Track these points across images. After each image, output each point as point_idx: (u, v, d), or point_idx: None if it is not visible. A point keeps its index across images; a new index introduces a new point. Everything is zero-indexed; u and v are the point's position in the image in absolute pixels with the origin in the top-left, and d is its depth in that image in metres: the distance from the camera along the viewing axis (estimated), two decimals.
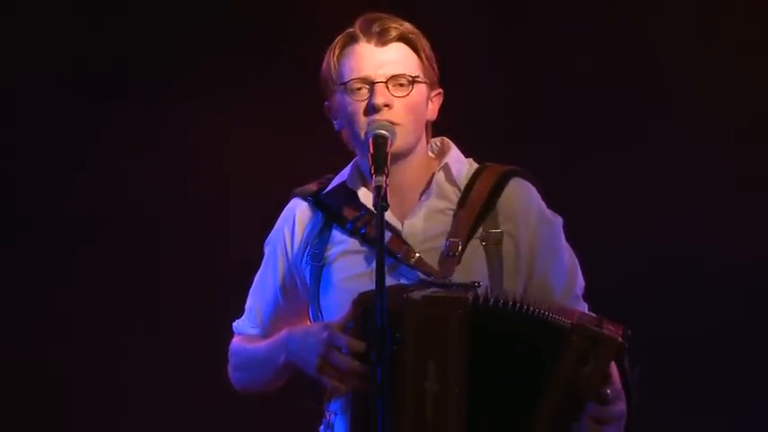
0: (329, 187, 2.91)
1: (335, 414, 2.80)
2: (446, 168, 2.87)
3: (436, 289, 2.68)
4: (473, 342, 2.59)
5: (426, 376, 2.60)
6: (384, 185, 2.63)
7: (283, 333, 2.86)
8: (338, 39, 2.86)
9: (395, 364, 2.57)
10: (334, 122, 2.89)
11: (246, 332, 3.02)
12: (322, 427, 2.83)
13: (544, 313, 2.61)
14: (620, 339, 2.62)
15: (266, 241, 3.01)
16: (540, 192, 2.90)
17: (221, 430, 4.86)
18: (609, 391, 2.59)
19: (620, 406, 2.62)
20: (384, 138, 2.73)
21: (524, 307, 2.61)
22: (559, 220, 2.90)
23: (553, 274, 2.86)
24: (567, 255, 2.89)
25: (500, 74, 4.68)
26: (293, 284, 2.94)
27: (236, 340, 3.03)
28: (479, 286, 2.66)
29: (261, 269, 3.01)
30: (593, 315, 2.74)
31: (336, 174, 2.93)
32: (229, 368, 3.03)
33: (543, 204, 2.89)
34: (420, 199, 2.86)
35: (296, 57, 4.50)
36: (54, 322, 4.93)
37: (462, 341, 2.59)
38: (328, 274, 2.86)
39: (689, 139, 4.64)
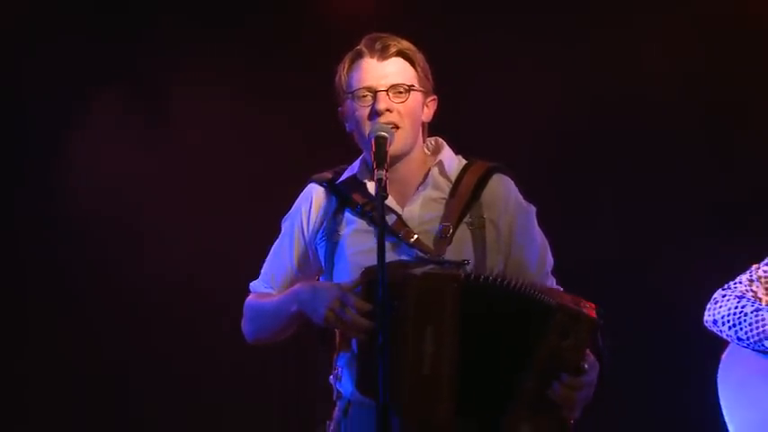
0: (342, 178, 3.39)
1: (342, 367, 3.27)
2: (440, 164, 3.36)
3: (432, 266, 3.16)
4: (464, 311, 3.06)
5: (424, 339, 3.05)
6: (384, 178, 3.10)
7: (296, 286, 3.32)
8: (347, 55, 3.35)
9: (399, 328, 3.02)
10: (346, 125, 3.38)
11: (260, 290, 3.48)
12: (331, 377, 3.31)
13: (530, 291, 3.09)
14: (596, 318, 3.09)
15: (284, 218, 3.48)
16: (517, 185, 3.40)
17: (247, 385, 5.51)
18: (585, 364, 3.07)
19: (592, 375, 3.10)
20: (384, 138, 3.21)
21: (510, 284, 3.09)
22: (533, 209, 3.41)
23: (527, 253, 3.35)
24: (539, 237, 3.39)
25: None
26: (306, 256, 3.42)
27: (250, 297, 3.49)
28: (468, 264, 3.17)
29: (278, 241, 3.49)
30: (572, 295, 3.21)
31: (348, 165, 3.41)
32: (243, 322, 3.48)
33: (520, 195, 3.39)
34: (418, 189, 3.34)
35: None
36: None
37: (455, 310, 3.06)
38: (341, 250, 3.33)
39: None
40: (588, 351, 3.10)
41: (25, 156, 5.54)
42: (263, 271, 3.52)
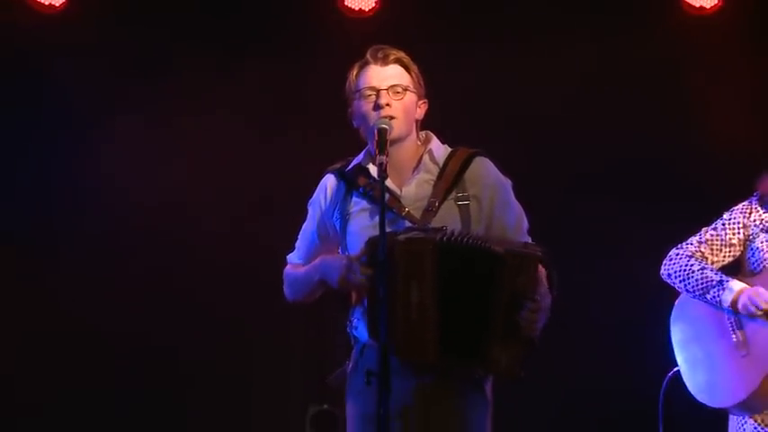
0: (350, 166, 4.06)
1: (357, 319, 3.95)
2: (430, 152, 4.04)
3: (417, 232, 3.82)
4: (440, 267, 3.73)
5: (411, 291, 3.74)
6: (384, 162, 3.80)
7: (317, 260, 4.05)
8: (356, 63, 4.05)
9: (392, 284, 3.70)
10: (354, 122, 4.06)
11: (294, 262, 4.20)
12: (348, 327, 4.00)
13: (485, 245, 3.74)
14: (539, 253, 3.75)
15: (309, 203, 4.16)
16: (495, 164, 4.06)
17: (278, 335, 6.47)
18: (541, 289, 3.74)
19: (546, 301, 3.78)
20: (385, 130, 3.90)
21: (472, 241, 3.75)
22: (509, 182, 4.06)
23: (507, 219, 4.01)
24: (516, 205, 4.05)
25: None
26: (326, 232, 4.11)
27: (288, 267, 4.22)
28: (446, 228, 3.80)
29: (306, 221, 4.19)
30: (521, 242, 3.89)
31: (355, 156, 4.09)
32: (284, 287, 4.21)
33: (498, 173, 4.05)
34: (413, 173, 4.01)
35: None
36: None
37: (433, 266, 3.73)
38: (351, 226, 4.01)
39: None
40: (541, 283, 3.76)
41: None
42: (296, 245, 4.23)
